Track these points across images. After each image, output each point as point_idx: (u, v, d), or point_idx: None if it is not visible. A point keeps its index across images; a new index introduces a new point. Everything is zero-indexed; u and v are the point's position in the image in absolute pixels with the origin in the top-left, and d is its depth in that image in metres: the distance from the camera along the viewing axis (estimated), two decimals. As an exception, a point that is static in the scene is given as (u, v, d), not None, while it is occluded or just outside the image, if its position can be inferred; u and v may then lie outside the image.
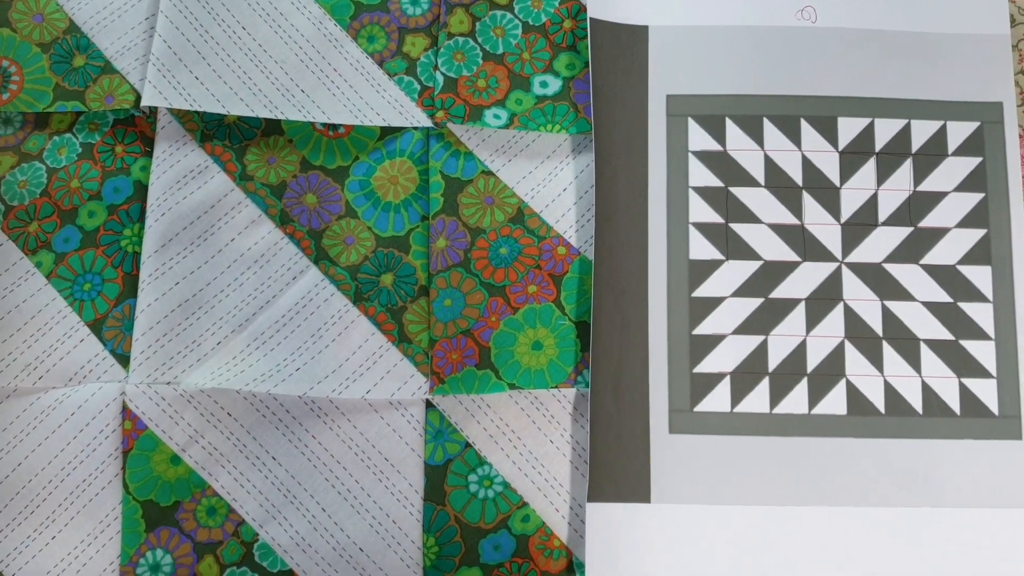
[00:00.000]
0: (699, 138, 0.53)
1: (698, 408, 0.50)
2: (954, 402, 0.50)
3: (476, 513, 0.50)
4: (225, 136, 0.54)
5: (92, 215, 0.53)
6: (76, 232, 0.53)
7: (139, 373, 0.51)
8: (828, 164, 0.53)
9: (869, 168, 0.53)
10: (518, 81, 0.55)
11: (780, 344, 0.51)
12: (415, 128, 0.55)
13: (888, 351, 0.50)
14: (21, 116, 0.55)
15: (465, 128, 0.55)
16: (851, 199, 0.53)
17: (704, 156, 0.53)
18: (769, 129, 0.54)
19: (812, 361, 0.51)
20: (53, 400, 0.50)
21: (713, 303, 0.51)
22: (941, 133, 0.53)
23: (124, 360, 0.51)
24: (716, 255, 0.52)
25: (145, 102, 0.53)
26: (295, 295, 0.52)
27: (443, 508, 0.50)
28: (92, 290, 0.52)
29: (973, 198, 0.52)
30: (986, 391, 0.50)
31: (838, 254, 0.52)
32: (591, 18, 0.55)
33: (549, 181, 0.54)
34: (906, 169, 0.52)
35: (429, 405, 0.51)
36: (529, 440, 0.51)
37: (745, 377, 0.50)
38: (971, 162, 0.52)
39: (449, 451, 0.51)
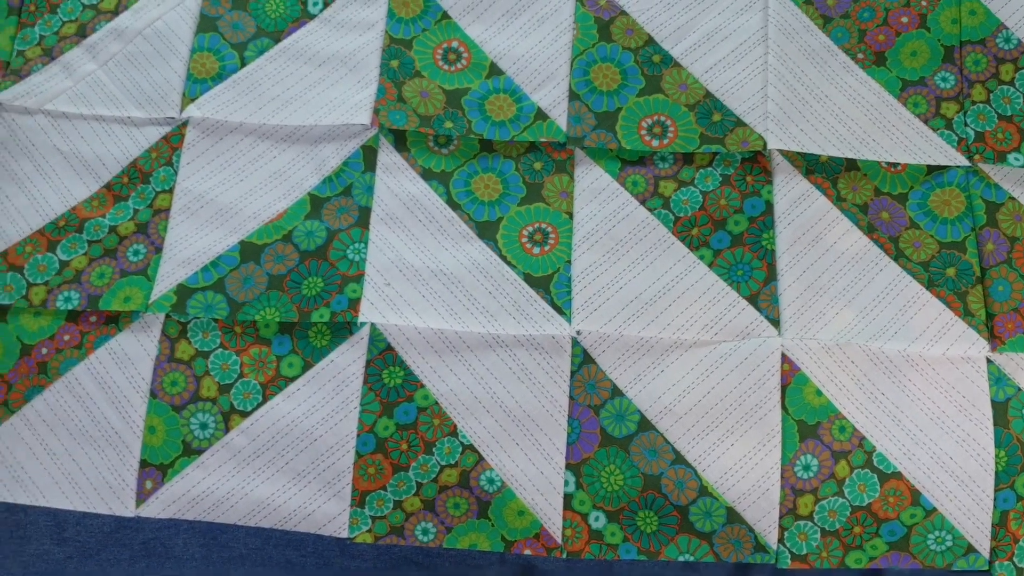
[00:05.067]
0: None
1: None
2: None
3: (1032, 435, 0.72)
4: (821, 171, 0.78)
5: (737, 223, 0.76)
6: (727, 235, 0.76)
7: (790, 332, 0.73)
8: None
9: None
10: (1025, 135, 0.78)
11: None
12: (958, 167, 0.77)
13: None
14: (672, 155, 0.79)
15: (992, 166, 0.77)
16: None
17: None
18: None
19: None
20: (728, 349, 0.73)
21: None
22: None
23: (775, 323, 0.74)
24: None
25: (771, 146, 0.77)
26: (882, 282, 0.75)
27: (1008, 431, 0.72)
28: (744, 275, 0.75)
29: None
30: None
31: None
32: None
33: (1057, 205, 0.76)
34: None
35: (987, 361, 0.73)
36: (1062, 386, 0.72)
37: None
38: None
39: (1007, 392, 0.72)
